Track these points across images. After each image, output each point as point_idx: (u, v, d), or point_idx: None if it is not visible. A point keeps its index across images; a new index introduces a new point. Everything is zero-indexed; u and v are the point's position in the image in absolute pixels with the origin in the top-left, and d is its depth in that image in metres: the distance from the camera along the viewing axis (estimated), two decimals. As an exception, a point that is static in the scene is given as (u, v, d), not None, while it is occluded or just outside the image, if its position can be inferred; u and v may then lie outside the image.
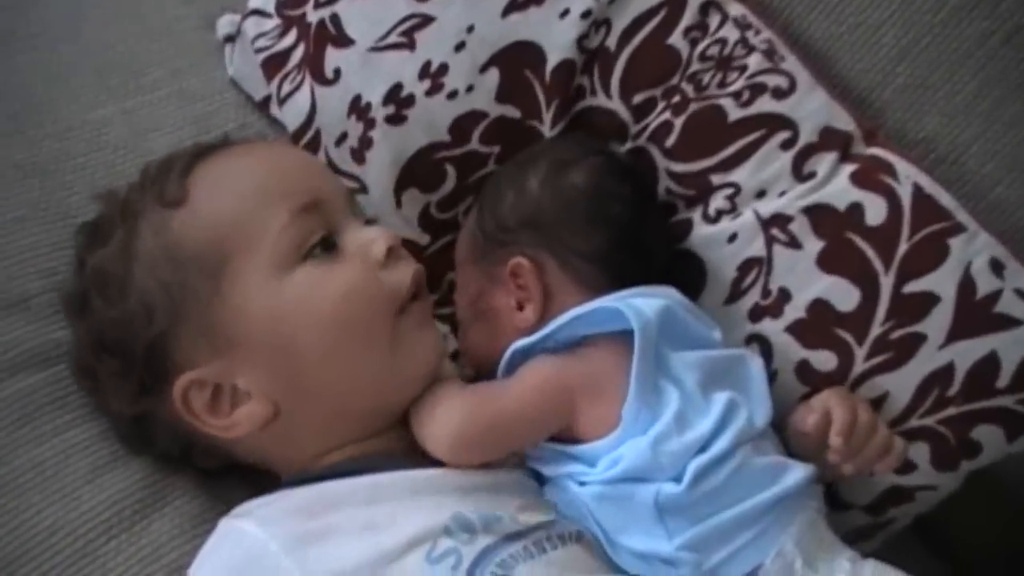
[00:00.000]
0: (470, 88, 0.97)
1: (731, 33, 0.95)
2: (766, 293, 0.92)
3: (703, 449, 0.80)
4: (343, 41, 1.00)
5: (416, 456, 0.84)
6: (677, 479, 0.79)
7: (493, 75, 0.97)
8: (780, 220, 0.92)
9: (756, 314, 0.93)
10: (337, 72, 1.00)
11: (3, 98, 1.02)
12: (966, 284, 0.88)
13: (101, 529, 0.83)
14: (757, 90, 0.93)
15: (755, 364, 0.88)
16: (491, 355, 0.89)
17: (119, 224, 0.86)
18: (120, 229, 0.85)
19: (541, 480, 0.87)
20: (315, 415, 0.84)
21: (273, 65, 1.07)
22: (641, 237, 0.91)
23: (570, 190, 0.90)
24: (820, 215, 0.91)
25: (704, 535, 0.79)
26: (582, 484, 0.83)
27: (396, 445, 0.86)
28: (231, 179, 0.86)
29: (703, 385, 0.83)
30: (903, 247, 0.89)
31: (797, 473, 0.82)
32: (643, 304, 0.84)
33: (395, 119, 0.98)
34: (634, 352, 0.81)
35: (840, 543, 0.83)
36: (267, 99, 1.09)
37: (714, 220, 0.94)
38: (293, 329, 0.82)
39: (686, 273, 0.94)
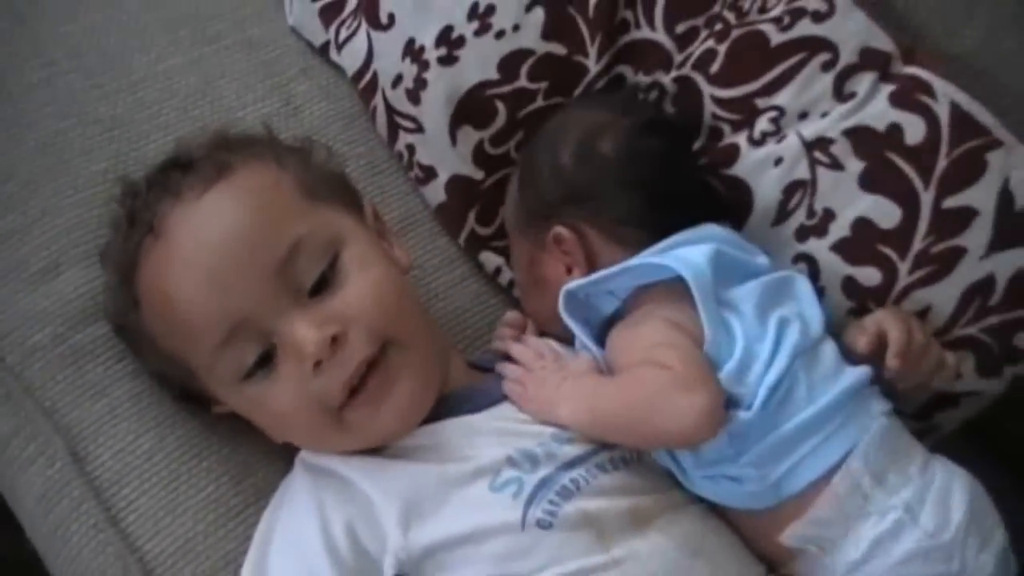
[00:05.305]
0: (516, 27, 1.00)
1: (770, -41, 0.96)
2: (811, 213, 0.94)
3: (766, 371, 0.82)
4: (396, -14, 1.03)
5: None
6: (748, 406, 0.81)
7: (538, 13, 1.00)
8: (822, 143, 0.94)
9: (802, 234, 0.95)
10: (391, 17, 1.04)
11: (81, 55, 1.07)
12: (1005, 197, 0.90)
13: (194, 452, 0.89)
14: (797, 14, 0.95)
15: (801, 280, 0.91)
16: (553, 318, 0.91)
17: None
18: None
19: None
20: None
21: (330, 13, 1.11)
22: (676, 189, 0.92)
23: (601, 160, 0.91)
24: (861, 137, 0.92)
25: (768, 449, 0.80)
26: None
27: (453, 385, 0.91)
28: (162, 304, 0.84)
29: (759, 311, 0.84)
30: (942, 163, 0.90)
31: (852, 375, 0.84)
32: (691, 253, 0.85)
33: (447, 60, 1.01)
34: (695, 300, 0.82)
35: (915, 445, 0.84)
36: (326, 45, 1.13)
37: (759, 143, 0.96)
38: (261, 423, 0.88)
39: (733, 199, 0.97)
